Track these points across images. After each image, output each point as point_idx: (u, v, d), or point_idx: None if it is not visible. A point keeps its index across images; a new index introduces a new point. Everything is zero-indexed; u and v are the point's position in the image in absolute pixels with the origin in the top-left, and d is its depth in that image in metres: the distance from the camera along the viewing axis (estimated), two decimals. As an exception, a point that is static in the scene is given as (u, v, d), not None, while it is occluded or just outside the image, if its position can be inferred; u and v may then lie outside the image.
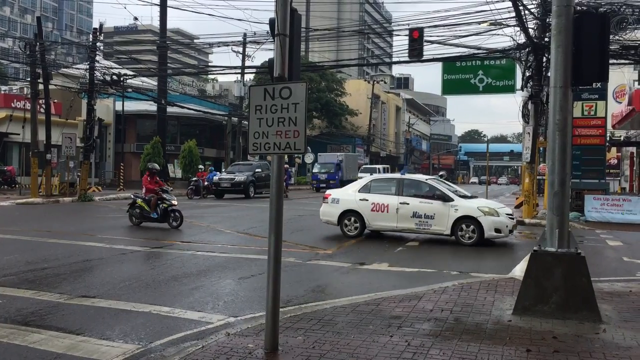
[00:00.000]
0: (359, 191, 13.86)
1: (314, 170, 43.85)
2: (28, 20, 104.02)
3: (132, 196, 16.20)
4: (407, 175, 14.42)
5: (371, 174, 21.58)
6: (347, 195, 14.04)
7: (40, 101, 28.36)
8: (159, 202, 15.27)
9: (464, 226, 12.62)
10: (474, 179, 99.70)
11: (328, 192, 14.81)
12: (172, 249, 11.54)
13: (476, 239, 12.47)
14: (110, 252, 11.02)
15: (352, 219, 13.65)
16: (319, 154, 47.21)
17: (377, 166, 53.36)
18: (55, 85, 30.23)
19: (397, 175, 15.12)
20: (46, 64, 27.95)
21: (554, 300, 6.30)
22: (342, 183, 41.86)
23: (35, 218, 17.62)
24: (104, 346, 5.42)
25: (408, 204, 13.04)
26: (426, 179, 13.77)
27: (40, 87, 27.72)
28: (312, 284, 8.37)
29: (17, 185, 32.79)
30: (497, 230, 12.55)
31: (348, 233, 13.62)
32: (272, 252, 5.08)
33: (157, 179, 16.25)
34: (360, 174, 48.91)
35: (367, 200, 13.50)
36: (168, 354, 5.03)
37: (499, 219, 12.62)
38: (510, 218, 12.93)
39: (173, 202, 15.32)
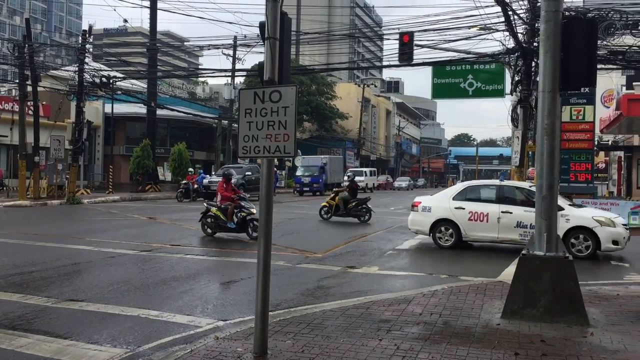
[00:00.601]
0: (453, 199, 12.93)
1: (297, 174, 42.39)
2: (17, 21, 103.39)
3: (204, 205, 14.82)
4: (507, 182, 13.65)
5: (349, 177, 20.76)
6: (440, 203, 13.11)
7: (29, 103, 28.15)
8: (236, 210, 13.98)
9: (576, 238, 11.69)
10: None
11: (417, 199, 13.70)
12: (161, 252, 11.49)
13: (590, 252, 11.56)
14: (99, 255, 10.95)
15: (446, 228, 12.76)
16: (302, 156, 44.80)
17: (364, 169, 53.33)
18: (44, 87, 30.04)
19: (495, 181, 14.34)
20: (35, 65, 27.79)
21: (542, 304, 6.33)
22: (326, 187, 40.95)
23: (23, 221, 17.48)
24: (92, 350, 5.38)
25: (511, 212, 12.17)
26: (529, 186, 12.67)
27: (29, 89, 27.53)
28: (302, 288, 8.36)
29: (4, 188, 32.49)
30: (615, 243, 11.60)
31: (442, 244, 12.74)
32: (262, 255, 5.06)
33: (233, 185, 15.23)
34: (345, 177, 48.81)
35: (463, 208, 12.59)
36: (156, 358, 5.01)
37: (616, 230, 11.66)
38: (625, 228, 12.05)
39: (252, 210, 13.77)
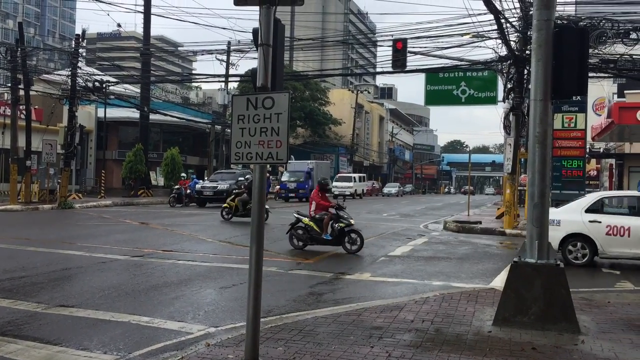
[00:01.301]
0: (586, 211, 11.73)
1: (282, 179, 40.37)
2: (10, 25, 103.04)
3: (294, 215, 13.53)
4: None
5: (247, 179, 21.61)
6: (571, 216, 11.85)
7: (21, 107, 28.03)
8: (331, 221, 12.87)
9: None
10: (450, 188, 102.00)
11: None
12: (152, 258, 11.44)
13: None
14: (90, 261, 10.89)
15: (580, 244, 11.61)
16: (288, 161, 44.18)
17: (353, 174, 52.54)
18: (37, 91, 29.93)
19: (634, 192, 13.33)
20: (27, 69, 27.69)
21: (533, 312, 6.35)
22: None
23: (13, 225, 17.37)
24: (82, 357, 5.35)
25: None
26: None
27: (21, 92, 27.42)
28: (294, 294, 8.35)
29: (-5, 192, 32.33)
30: None
31: (574, 261, 11.58)
32: (254, 261, 5.05)
33: (327, 194, 14.10)
34: (335, 183, 48.14)
35: (599, 222, 11.42)
36: (147, 365, 4.98)
37: None
38: None
39: (351, 221, 12.89)
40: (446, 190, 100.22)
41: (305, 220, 13.10)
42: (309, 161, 43.64)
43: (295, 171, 40.11)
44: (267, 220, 19.13)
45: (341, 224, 12.72)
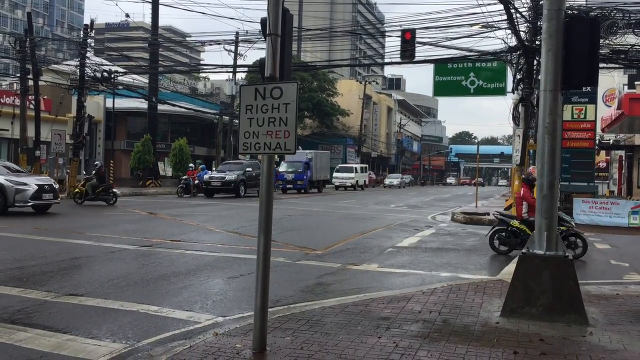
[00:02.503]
0: None
1: (279, 170, 37.75)
2: (18, 15, 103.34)
3: (495, 215, 12.58)
4: None
5: (96, 166, 22.87)
6: None
7: (30, 97, 28.19)
8: None
9: None
10: (450, 179, 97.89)
11: None
12: (161, 248, 11.49)
13: None
14: (99, 250, 10.95)
15: None
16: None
17: (354, 165, 51.49)
18: (45, 81, 30.02)
19: None
20: (36, 60, 27.81)
21: (541, 303, 6.33)
22: (312, 184, 38.79)
23: (22, 215, 17.47)
24: (91, 345, 5.39)
25: None
26: None
27: (30, 83, 27.55)
28: (301, 284, 8.36)
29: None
30: None
31: None
32: (262, 251, 5.07)
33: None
34: (335, 174, 47.40)
35: None
36: (155, 354, 5.01)
37: None
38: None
39: (572, 223, 11.73)
40: (447, 181, 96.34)
41: (515, 223, 11.84)
42: (308, 151, 41.10)
43: (293, 161, 38.07)
44: (114, 203, 21.95)
45: (562, 227, 10.89)
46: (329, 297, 7.37)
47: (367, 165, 57.34)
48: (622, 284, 9.04)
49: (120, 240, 12.29)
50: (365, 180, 50.60)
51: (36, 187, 17.25)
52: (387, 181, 61.29)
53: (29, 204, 17.27)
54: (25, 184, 17.16)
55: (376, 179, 63.59)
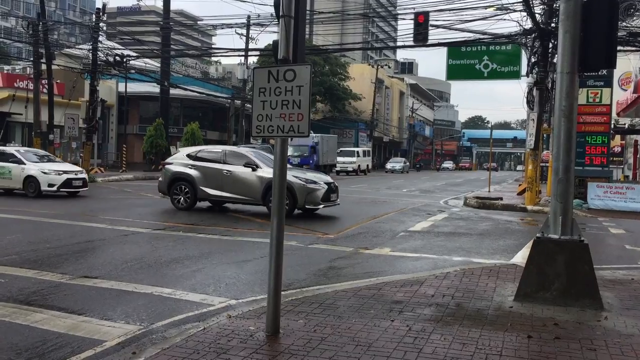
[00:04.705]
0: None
1: None
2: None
3: None
4: None
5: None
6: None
7: (43, 81, 28.30)
8: None
9: None
10: (447, 164, 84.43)
11: None
12: (174, 231, 11.55)
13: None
14: (113, 233, 11.03)
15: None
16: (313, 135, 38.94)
17: (356, 149, 50.03)
18: (58, 65, 30.16)
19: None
20: (49, 43, 27.88)
21: (555, 287, 6.29)
22: (318, 168, 37.35)
23: (37, 198, 17.62)
24: (106, 326, 5.44)
25: None
26: None
27: (43, 67, 27.65)
28: (314, 268, 8.37)
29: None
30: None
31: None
32: (275, 235, 5.06)
33: None
34: (339, 158, 45.92)
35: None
36: (169, 335, 5.04)
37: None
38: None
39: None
40: (443, 165, 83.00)
41: None
42: (314, 134, 39.71)
43: (299, 145, 37.53)
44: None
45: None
46: (341, 281, 7.37)
47: (370, 149, 55.09)
48: (637, 268, 8.96)
49: (134, 224, 12.37)
50: (368, 165, 48.45)
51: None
52: (388, 166, 56.72)
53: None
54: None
55: (373, 163, 58.83)
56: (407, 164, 61.06)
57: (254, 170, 14.34)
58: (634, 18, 16.89)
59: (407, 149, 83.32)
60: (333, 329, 5.20)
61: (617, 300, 6.51)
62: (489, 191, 26.23)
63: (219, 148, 15.84)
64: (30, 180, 17.94)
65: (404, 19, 31.48)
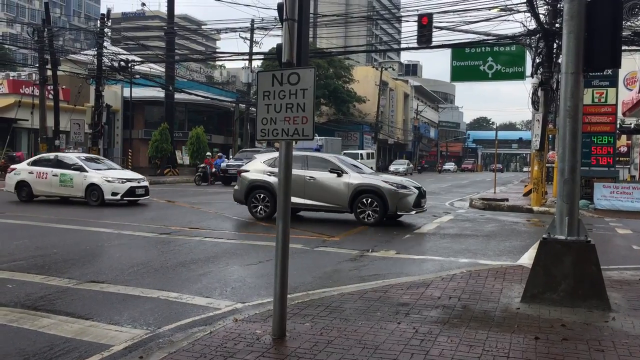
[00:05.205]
0: None
1: None
2: (36, 6, 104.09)
3: None
4: None
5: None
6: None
7: (49, 87, 28.42)
8: None
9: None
10: (448, 165, 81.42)
11: None
12: (179, 235, 11.57)
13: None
14: (119, 238, 11.06)
15: None
16: (318, 138, 38.91)
17: (359, 151, 49.76)
18: (64, 71, 30.30)
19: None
20: (54, 49, 28.02)
21: (562, 288, 6.26)
22: None
23: (43, 203, 17.68)
24: (113, 331, 5.45)
25: None
26: None
27: (49, 73, 27.79)
28: (320, 271, 8.37)
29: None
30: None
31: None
32: (280, 238, 5.06)
33: None
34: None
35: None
36: (176, 339, 5.05)
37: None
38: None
39: None
40: (444, 167, 79.96)
41: None
42: (318, 137, 39.32)
43: (304, 148, 37.58)
44: None
45: None
46: (347, 284, 7.36)
47: (374, 152, 54.92)
48: (645, 269, 8.91)
49: (140, 228, 12.40)
50: (372, 167, 48.44)
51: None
52: (392, 168, 54.92)
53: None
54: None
55: (378, 166, 58.90)
56: (411, 165, 60.75)
57: (339, 176, 13.93)
58: (639, 17, 16.83)
59: (412, 151, 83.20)
60: (339, 331, 5.20)
61: (625, 301, 6.47)
62: (495, 192, 26.17)
63: (299, 154, 15.13)
64: (92, 188, 17.31)
65: (407, 21, 31.56)
